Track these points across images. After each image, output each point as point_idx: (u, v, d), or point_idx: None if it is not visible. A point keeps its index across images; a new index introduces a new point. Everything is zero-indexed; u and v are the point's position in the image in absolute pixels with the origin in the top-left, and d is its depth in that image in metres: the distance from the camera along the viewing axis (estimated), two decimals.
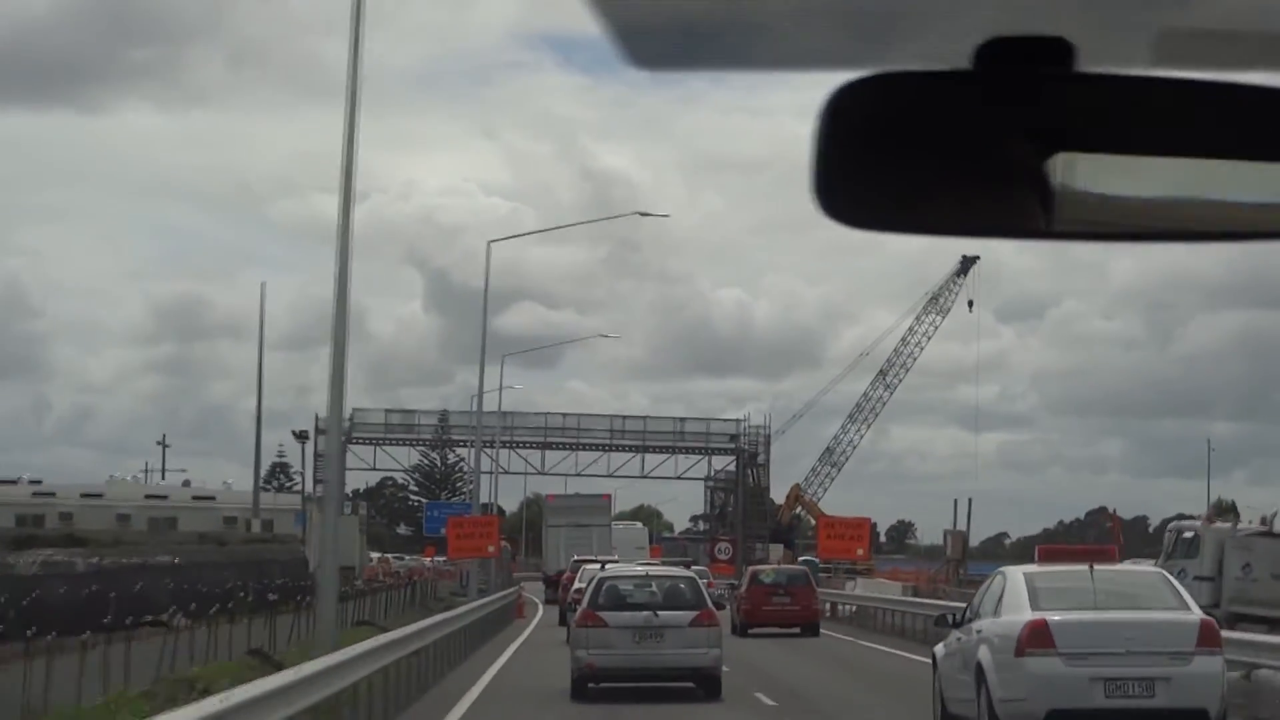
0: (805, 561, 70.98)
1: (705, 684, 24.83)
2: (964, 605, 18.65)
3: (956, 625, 16.65)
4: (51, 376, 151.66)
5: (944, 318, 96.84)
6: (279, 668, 17.47)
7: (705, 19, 2.94)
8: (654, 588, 26.21)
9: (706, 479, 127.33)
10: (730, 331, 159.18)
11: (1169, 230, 3.16)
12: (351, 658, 17.76)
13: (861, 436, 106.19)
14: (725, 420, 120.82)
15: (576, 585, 39.06)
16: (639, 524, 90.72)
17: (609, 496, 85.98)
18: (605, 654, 25.04)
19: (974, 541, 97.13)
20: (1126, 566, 18.88)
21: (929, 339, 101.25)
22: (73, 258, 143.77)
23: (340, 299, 20.79)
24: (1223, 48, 3.06)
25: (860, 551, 51.90)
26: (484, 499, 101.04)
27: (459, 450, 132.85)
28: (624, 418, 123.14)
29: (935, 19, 3.01)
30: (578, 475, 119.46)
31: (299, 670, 15.30)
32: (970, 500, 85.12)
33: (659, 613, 25.49)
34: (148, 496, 73.06)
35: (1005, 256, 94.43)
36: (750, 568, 48.33)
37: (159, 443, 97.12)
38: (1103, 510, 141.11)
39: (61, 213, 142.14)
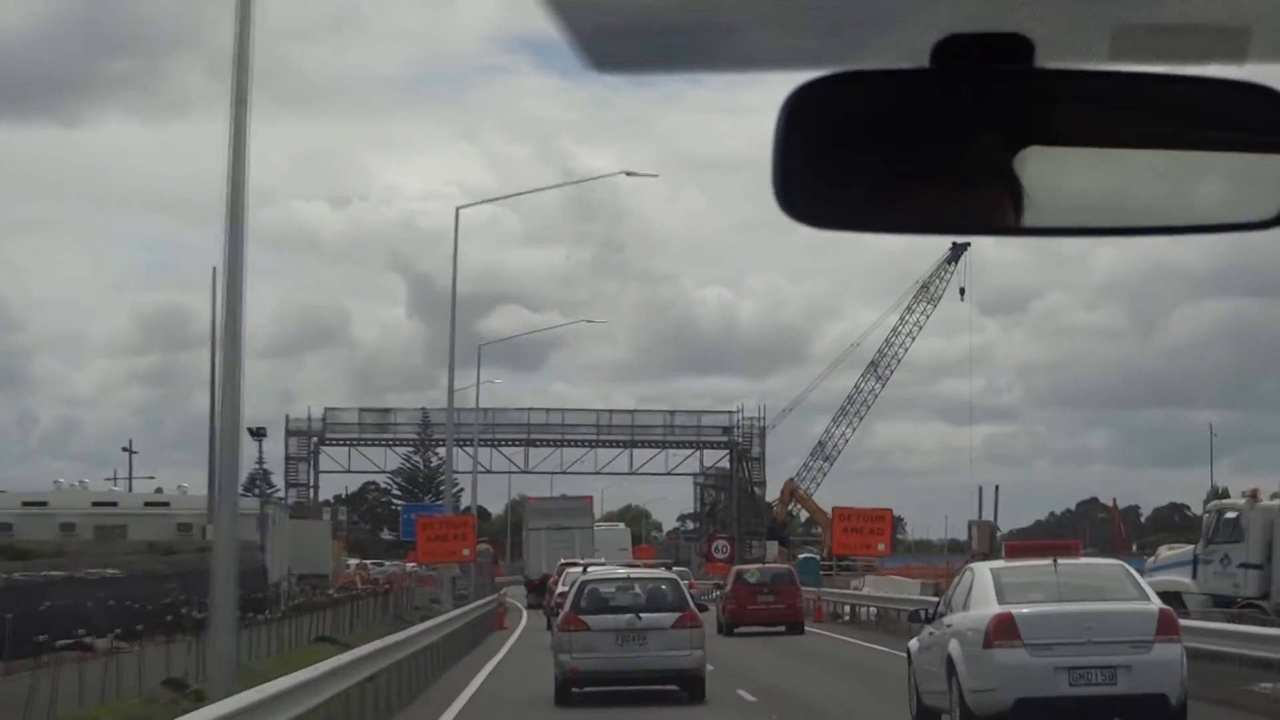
0: (806, 559, 69.19)
1: (689, 686, 25.02)
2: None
3: (929, 620, 17.60)
4: (34, 390, 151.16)
5: (935, 306, 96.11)
6: (199, 700, 16.03)
7: (665, 21, 2.91)
8: (636, 590, 26.43)
9: (696, 476, 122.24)
10: (715, 330, 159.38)
11: (1133, 223, 3.16)
12: (252, 704, 13.36)
13: (854, 430, 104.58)
14: (718, 413, 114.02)
15: (560, 589, 39.11)
16: (621, 525, 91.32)
17: (591, 498, 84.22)
18: (588, 658, 25.22)
19: (965, 535, 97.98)
20: (1089, 560, 19.86)
21: (920, 329, 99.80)
22: (54, 270, 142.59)
23: (232, 273, 20.16)
24: (1179, 41, 3.03)
25: (882, 547, 49.53)
26: (467, 501, 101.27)
27: (441, 451, 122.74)
28: (611, 412, 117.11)
29: (893, 17, 2.97)
30: (563, 473, 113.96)
31: None
32: (997, 488, 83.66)
33: (641, 615, 25.73)
34: (95, 504, 69.32)
35: (987, 250, 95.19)
36: (735, 567, 49.14)
37: (125, 449, 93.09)
38: (1094, 501, 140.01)
39: (42, 226, 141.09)
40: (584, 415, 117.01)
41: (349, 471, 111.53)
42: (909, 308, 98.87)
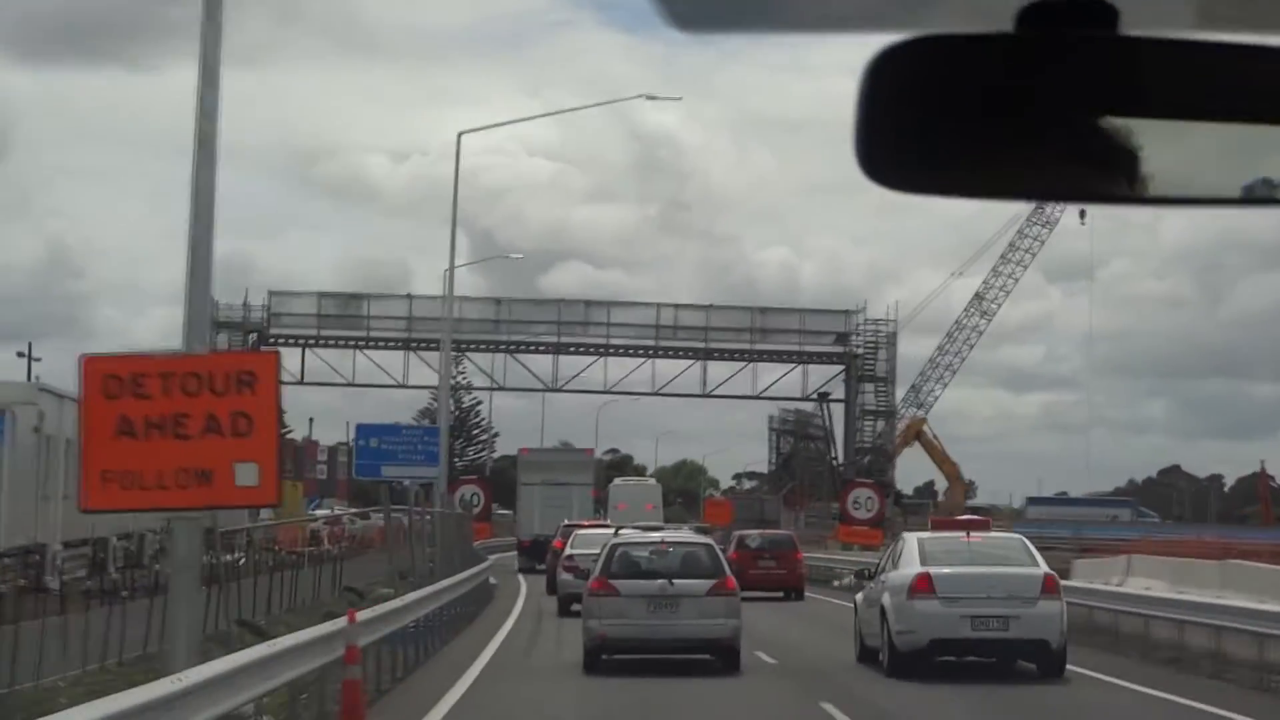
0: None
1: (723, 656, 26.23)
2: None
3: (870, 578, 23.39)
4: (93, 337, 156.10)
5: (1050, 230, 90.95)
6: None
7: None
8: (670, 555, 26.90)
9: (771, 421, 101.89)
10: (774, 292, 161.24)
11: (1212, 195, 3.27)
12: None
13: (963, 360, 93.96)
14: (829, 312, 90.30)
15: (568, 551, 41.93)
16: (652, 480, 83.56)
17: (592, 451, 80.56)
18: (618, 624, 25.92)
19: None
20: (995, 533, 25.68)
21: (1033, 255, 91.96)
22: (115, 218, 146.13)
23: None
24: (1267, 10, 3.09)
25: None
26: (507, 449, 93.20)
27: (475, 389, 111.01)
28: (676, 307, 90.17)
29: None
30: (607, 392, 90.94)
31: None
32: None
33: (674, 581, 26.24)
34: None
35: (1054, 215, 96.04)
36: (737, 533, 54.26)
37: (20, 354, 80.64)
38: (1176, 469, 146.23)
39: (104, 172, 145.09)
40: (638, 311, 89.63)
41: (302, 383, 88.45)
42: (1020, 232, 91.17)
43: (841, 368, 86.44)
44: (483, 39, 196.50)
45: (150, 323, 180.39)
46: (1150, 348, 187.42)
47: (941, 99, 3.10)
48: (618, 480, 79.12)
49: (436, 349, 68.61)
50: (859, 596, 28.29)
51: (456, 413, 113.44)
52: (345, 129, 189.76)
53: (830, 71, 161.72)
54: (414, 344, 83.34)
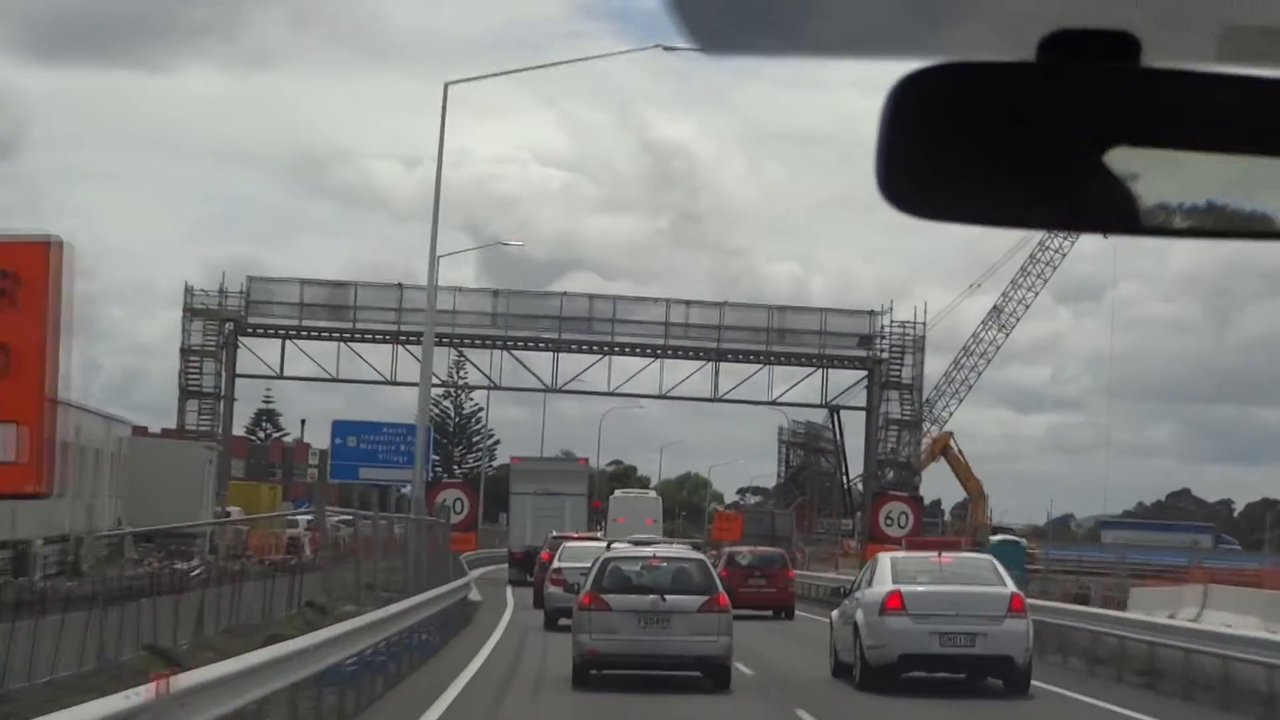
0: (1003, 542, 54.77)
1: (714, 674, 26.73)
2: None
3: (846, 596, 24.42)
4: (102, 338, 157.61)
5: (1072, 244, 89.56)
6: None
7: (774, 5, 3.04)
8: (662, 570, 27.21)
9: (781, 433, 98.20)
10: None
11: (1231, 228, 3.31)
12: None
13: (979, 374, 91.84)
14: (853, 312, 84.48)
15: (555, 564, 41.72)
16: (653, 493, 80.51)
17: (586, 460, 78.66)
18: (608, 639, 26.31)
19: (1039, 521, 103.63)
20: (965, 554, 26.76)
21: (1054, 268, 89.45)
22: (126, 219, 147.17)
23: None
24: None
25: None
26: (507, 455, 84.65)
27: (476, 396, 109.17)
28: (687, 303, 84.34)
29: (1002, 8, 3.13)
30: (611, 394, 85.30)
31: None
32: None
33: (666, 596, 26.63)
34: None
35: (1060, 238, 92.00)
36: (727, 549, 55.79)
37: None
38: (1185, 493, 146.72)
39: (117, 174, 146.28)
40: (644, 307, 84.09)
41: (282, 377, 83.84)
42: (1042, 242, 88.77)
43: (864, 373, 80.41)
44: (498, 47, 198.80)
45: (158, 325, 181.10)
46: (1157, 371, 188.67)
47: (962, 126, 3.15)
48: (618, 492, 77.22)
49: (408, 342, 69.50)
50: (835, 613, 30.24)
51: (457, 418, 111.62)
52: (357, 134, 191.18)
53: (843, 87, 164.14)
54: (403, 337, 77.09)
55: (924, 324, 79.55)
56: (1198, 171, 3.19)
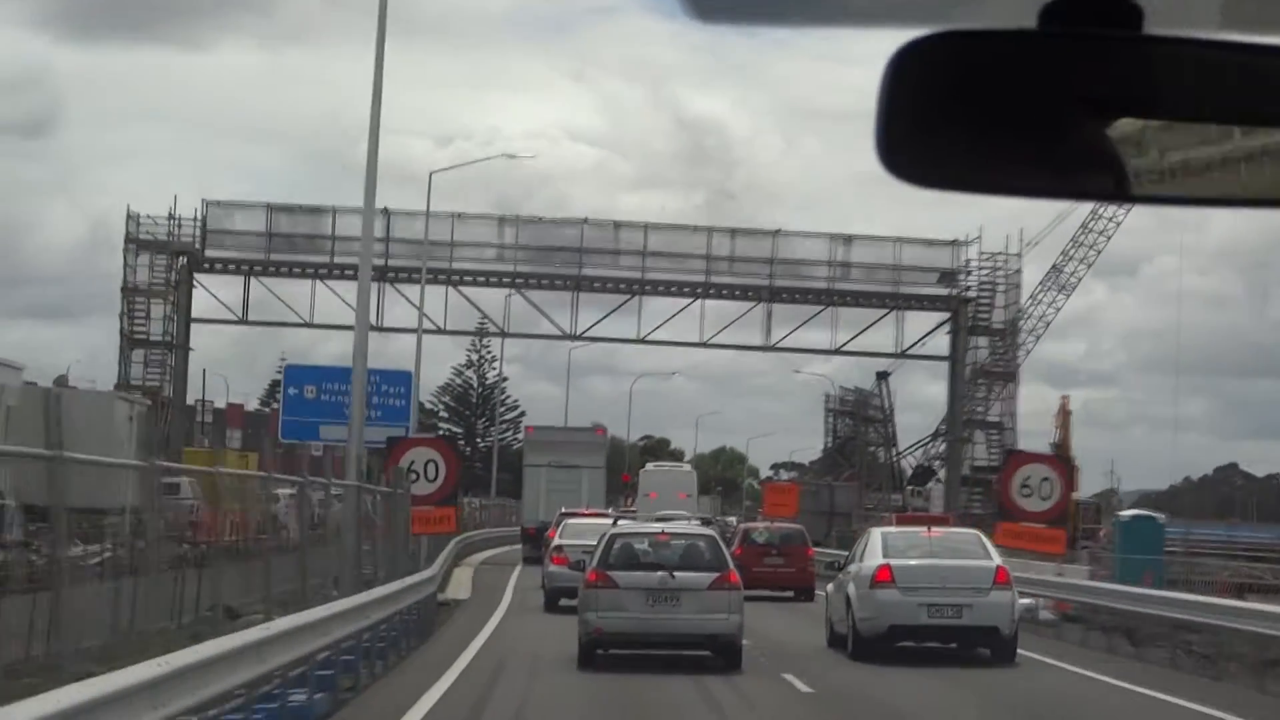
0: (1139, 517, 48.22)
1: (724, 653, 27.49)
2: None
3: (840, 570, 25.34)
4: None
5: (1128, 212, 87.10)
6: None
7: None
8: (671, 546, 27.51)
9: (828, 400, 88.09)
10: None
11: (1234, 195, 3.31)
12: None
13: (1037, 339, 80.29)
14: (933, 242, 72.98)
15: (557, 541, 41.31)
16: (687, 466, 75.83)
17: (604, 430, 71.42)
18: (615, 617, 26.51)
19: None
20: (953, 529, 27.63)
21: (1117, 225, 78.43)
22: (158, 196, 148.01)
23: None
24: None
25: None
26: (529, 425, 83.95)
27: (495, 363, 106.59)
28: (733, 232, 73.63)
29: None
30: (642, 342, 73.85)
31: None
32: None
33: (675, 574, 26.82)
34: None
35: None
36: (742, 525, 56.57)
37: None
38: (1233, 467, 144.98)
39: (151, 151, 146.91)
40: (685, 237, 71.95)
41: (245, 321, 74.02)
42: (1075, 238, 76.86)
43: (947, 315, 68.35)
44: (526, 24, 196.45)
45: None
46: (1193, 345, 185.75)
47: (963, 94, 3.13)
48: (649, 465, 72.17)
49: (418, 281, 58.85)
50: (830, 586, 34.69)
51: (480, 388, 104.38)
52: (389, 111, 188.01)
53: (876, 61, 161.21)
54: (391, 273, 66.27)
55: (1020, 256, 68.69)
56: (1201, 139, 3.15)
